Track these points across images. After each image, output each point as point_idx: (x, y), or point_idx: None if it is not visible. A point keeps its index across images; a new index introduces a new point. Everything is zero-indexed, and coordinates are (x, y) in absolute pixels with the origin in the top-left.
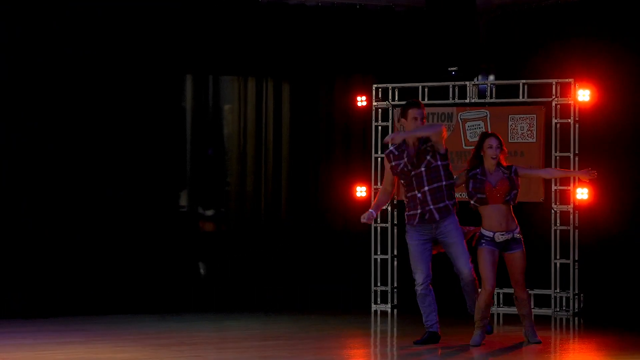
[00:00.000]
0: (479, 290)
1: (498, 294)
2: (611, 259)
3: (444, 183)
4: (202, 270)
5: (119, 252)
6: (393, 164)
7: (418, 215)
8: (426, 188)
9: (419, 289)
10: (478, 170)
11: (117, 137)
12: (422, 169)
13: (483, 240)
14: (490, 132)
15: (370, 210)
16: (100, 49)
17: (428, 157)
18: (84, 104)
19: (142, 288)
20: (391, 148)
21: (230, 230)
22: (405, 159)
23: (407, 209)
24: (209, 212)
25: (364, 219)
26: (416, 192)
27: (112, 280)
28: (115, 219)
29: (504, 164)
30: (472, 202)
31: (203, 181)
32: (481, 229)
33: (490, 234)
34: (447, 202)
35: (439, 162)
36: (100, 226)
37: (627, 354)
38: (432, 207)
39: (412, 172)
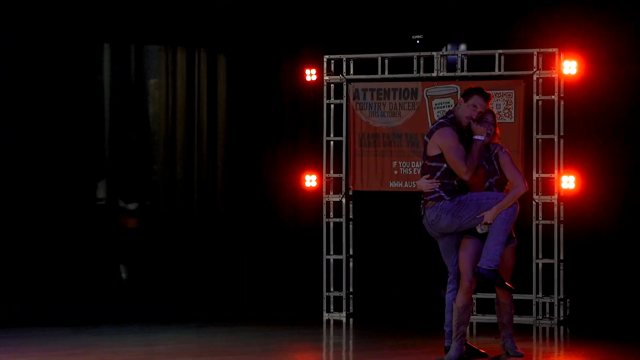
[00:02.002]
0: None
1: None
2: (601, 259)
3: None
4: (124, 274)
5: (25, 253)
6: None
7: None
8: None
9: None
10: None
11: (17, 121)
12: None
13: None
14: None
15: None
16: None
17: None
18: None
19: (53, 296)
20: (454, 127)
21: (157, 226)
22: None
23: (442, 187)
24: (132, 206)
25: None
26: (454, 182)
27: (18, 287)
28: (19, 213)
29: (496, 140)
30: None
31: (125, 169)
32: None
33: None
34: None
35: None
36: (4, 224)
37: None
38: None
39: None
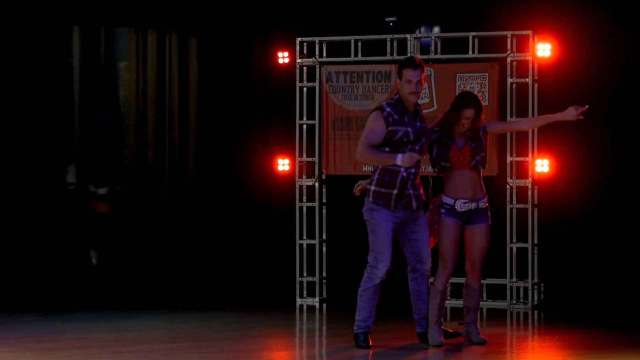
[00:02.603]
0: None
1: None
2: (576, 243)
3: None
4: (94, 260)
5: None
6: (390, 128)
7: (394, 197)
8: (413, 170)
9: (376, 280)
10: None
11: None
12: (417, 147)
13: (443, 210)
14: (468, 91)
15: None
16: None
17: (424, 139)
18: None
19: (22, 282)
20: (388, 109)
21: (128, 211)
22: (410, 130)
23: (377, 184)
24: (103, 191)
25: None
26: (402, 169)
27: None
28: None
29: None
30: (435, 169)
31: (95, 153)
32: (442, 196)
33: (451, 202)
34: (422, 190)
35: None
36: None
37: (593, 354)
38: (411, 192)
39: (407, 147)
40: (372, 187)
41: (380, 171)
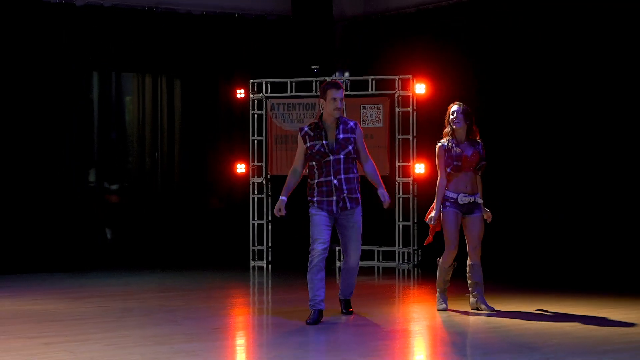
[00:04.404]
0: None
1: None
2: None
3: (356, 176)
4: (108, 235)
5: (38, 220)
6: (308, 144)
7: (334, 203)
8: (342, 176)
9: (315, 259)
10: (452, 141)
11: (33, 126)
12: (342, 156)
13: (447, 203)
14: (457, 102)
15: (281, 197)
16: (18, 50)
17: (350, 147)
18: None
19: (56, 251)
20: (306, 129)
21: (132, 201)
22: (324, 142)
23: (317, 194)
24: (114, 187)
25: (278, 211)
26: (332, 178)
27: (31, 243)
28: (33, 192)
29: (477, 136)
30: (448, 169)
31: (108, 160)
32: (445, 192)
33: (454, 196)
34: (358, 194)
35: (356, 156)
36: (23, 198)
37: (453, 296)
38: (345, 195)
39: (331, 157)
40: (315, 198)
41: (315, 183)
